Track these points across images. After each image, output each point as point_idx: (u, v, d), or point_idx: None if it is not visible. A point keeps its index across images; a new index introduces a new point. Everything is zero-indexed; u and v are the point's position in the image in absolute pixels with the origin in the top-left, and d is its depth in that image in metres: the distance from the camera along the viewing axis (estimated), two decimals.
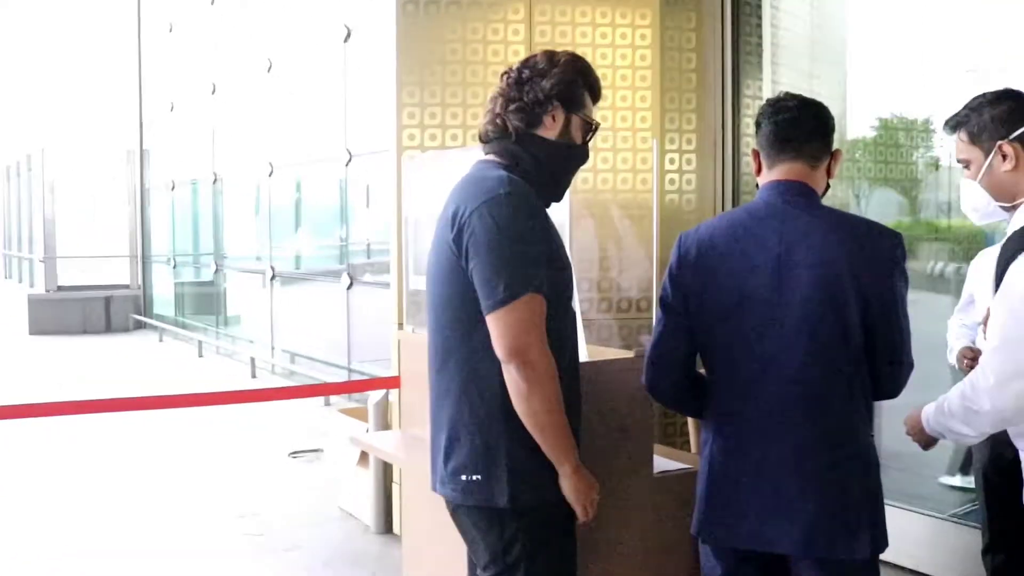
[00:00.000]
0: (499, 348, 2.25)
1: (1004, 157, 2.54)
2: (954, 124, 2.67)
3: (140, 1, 16.66)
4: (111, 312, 16.52)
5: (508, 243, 2.26)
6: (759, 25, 5.20)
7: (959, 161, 2.71)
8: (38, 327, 15.59)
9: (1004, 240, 2.66)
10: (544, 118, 2.44)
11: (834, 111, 5.80)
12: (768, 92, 5.19)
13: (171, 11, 14.83)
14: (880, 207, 6.02)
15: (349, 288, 9.40)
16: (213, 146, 13.38)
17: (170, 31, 14.87)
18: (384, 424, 5.11)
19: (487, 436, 2.34)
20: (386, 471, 5.21)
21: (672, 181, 4.99)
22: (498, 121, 2.45)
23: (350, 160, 9.33)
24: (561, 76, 2.44)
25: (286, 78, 10.76)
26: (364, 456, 5.37)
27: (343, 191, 9.84)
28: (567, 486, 2.35)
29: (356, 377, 9.09)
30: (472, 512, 2.40)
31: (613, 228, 4.80)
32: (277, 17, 10.86)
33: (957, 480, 5.00)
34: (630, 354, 3.23)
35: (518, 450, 2.32)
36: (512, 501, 2.32)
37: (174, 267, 15.78)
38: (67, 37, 17.93)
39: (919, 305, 5.75)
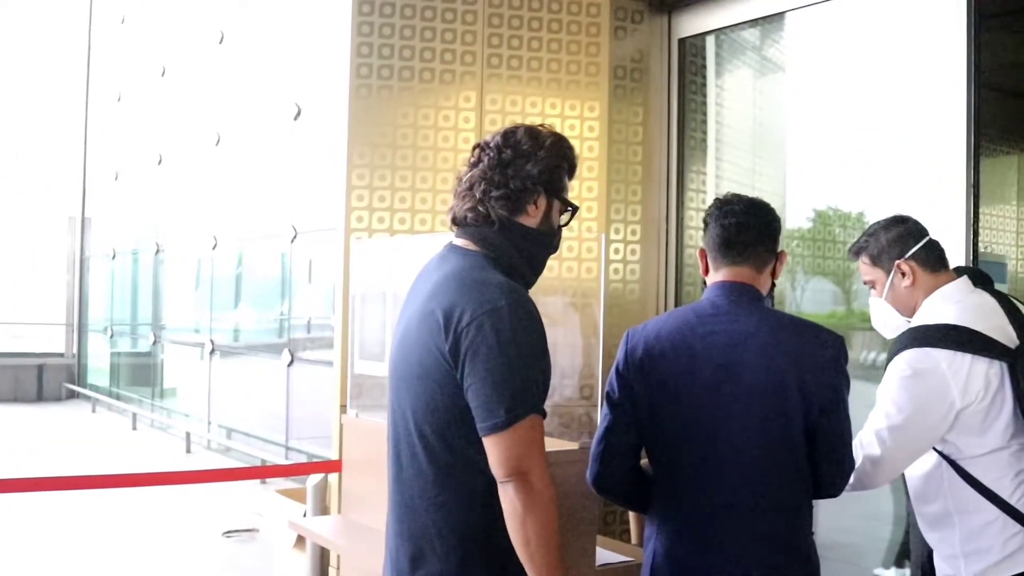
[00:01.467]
0: (499, 468, 2.12)
1: (903, 274, 2.76)
2: (856, 250, 2.87)
3: (89, 68, 16.63)
4: (43, 380, 16.17)
5: (510, 362, 2.12)
6: (704, 121, 5.34)
7: (865, 283, 2.90)
8: None
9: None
10: (528, 206, 2.31)
11: (774, 204, 5.93)
12: (712, 186, 5.31)
13: (120, 80, 14.81)
14: (815, 296, 6.15)
15: (290, 365, 9.32)
16: (157, 216, 13.29)
17: (118, 100, 14.83)
18: (323, 507, 5.04)
19: (462, 556, 2.22)
20: (323, 555, 5.12)
21: (616, 271, 5.07)
22: (480, 208, 2.30)
23: (295, 236, 9.32)
24: (547, 161, 2.31)
25: (234, 152, 10.77)
26: (301, 539, 5.28)
27: (286, 267, 9.81)
28: None
29: (294, 455, 8.97)
30: None
31: (558, 316, 4.86)
32: (227, 91, 10.89)
33: (892, 573, 5.04)
34: (574, 445, 3.23)
35: (492, 561, 2.21)
36: None
37: (111, 337, 15.52)
38: (12, 100, 17.79)
39: (852, 394, 5.87)
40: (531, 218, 2.32)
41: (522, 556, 2.13)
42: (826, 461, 2.45)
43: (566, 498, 3.13)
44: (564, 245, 4.89)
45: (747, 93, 5.79)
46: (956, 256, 4.21)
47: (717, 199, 2.65)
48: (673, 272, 5.20)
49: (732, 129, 5.55)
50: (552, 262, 4.84)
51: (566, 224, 2.42)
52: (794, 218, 6.18)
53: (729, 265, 2.51)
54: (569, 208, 2.40)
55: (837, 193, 6.01)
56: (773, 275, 2.58)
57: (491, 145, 2.34)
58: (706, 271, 2.59)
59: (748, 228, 2.51)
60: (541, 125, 2.41)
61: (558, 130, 4.53)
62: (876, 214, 5.93)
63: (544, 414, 2.17)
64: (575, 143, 4.94)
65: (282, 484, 7.60)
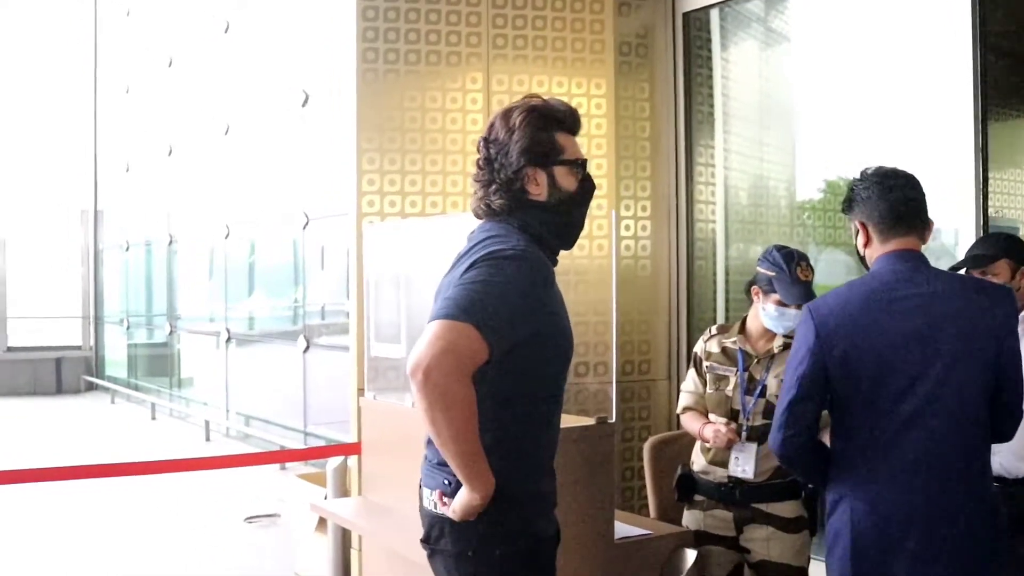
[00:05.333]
0: (410, 358, 2.16)
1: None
2: None
3: (96, 61, 16.67)
4: (62, 373, 16.30)
5: (474, 283, 2.20)
6: (711, 94, 5.34)
7: None
8: None
9: None
10: (527, 187, 2.38)
11: (783, 176, 5.98)
12: (720, 159, 5.32)
13: (128, 72, 14.86)
14: (828, 267, 6.15)
15: (306, 351, 9.37)
16: (169, 207, 13.35)
17: (127, 92, 14.88)
18: (343, 490, 5.09)
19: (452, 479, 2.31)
20: (344, 537, 5.17)
21: (628, 247, 5.08)
22: (483, 205, 2.42)
23: (307, 223, 9.36)
24: (524, 140, 2.36)
25: (244, 141, 10.81)
26: (322, 522, 5.33)
27: (299, 254, 9.86)
28: (461, 497, 2.28)
29: (312, 440, 9.03)
30: (443, 555, 2.41)
31: (570, 294, 4.87)
32: (235, 80, 10.92)
33: None
34: (591, 420, 3.26)
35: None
36: (478, 544, 2.32)
37: (127, 328, 15.63)
38: (23, 95, 17.85)
39: None
40: (537, 195, 2.39)
41: (441, 451, 2.22)
42: (1008, 415, 2.59)
43: (585, 472, 3.17)
44: None
45: (753, 65, 5.78)
46: (967, 221, 4.23)
47: (873, 174, 2.69)
48: (684, 247, 5.20)
49: (739, 102, 5.55)
50: None
51: (583, 176, 2.46)
52: (804, 189, 6.18)
53: (901, 236, 2.60)
54: (577, 165, 2.44)
55: (846, 163, 6.00)
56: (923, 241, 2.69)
57: (480, 146, 2.44)
58: (867, 244, 2.66)
59: (914, 201, 2.62)
60: (531, 96, 2.47)
61: None
62: None
63: (488, 340, 2.15)
64: (583, 121, 4.99)
65: (302, 469, 7.67)
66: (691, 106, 5.27)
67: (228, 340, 11.34)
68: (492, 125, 2.44)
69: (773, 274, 3.49)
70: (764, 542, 3.53)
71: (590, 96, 5.06)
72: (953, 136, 4.33)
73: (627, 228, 5.08)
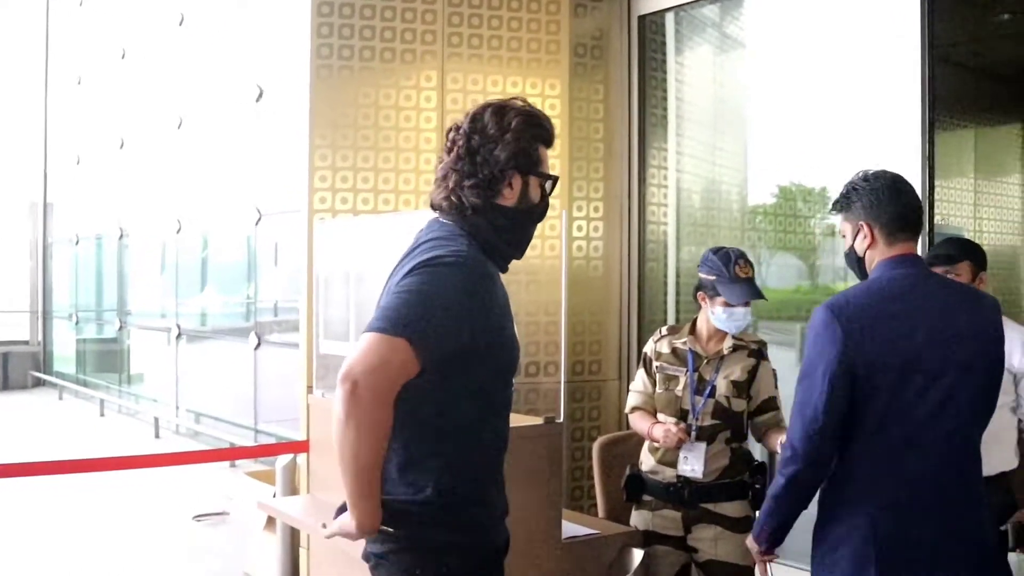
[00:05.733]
0: (342, 366, 2.10)
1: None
2: None
3: (48, 51, 16.42)
4: (9, 368, 16.04)
5: (409, 292, 2.14)
6: (664, 97, 5.38)
7: None
8: None
9: None
10: (503, 190, 2.31)
11: (735, 180, 6.03)
12: (673, 162, 5.36)
13: (80, 63, 14.65)
14: (780, 271, 6.21)
15: (257, 348, 9.30)
16: (120, 201, 13.18)
17: (79, 83, 14.67)
18: (292, 488, 5.06)
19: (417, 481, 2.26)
20: (293, 536, 5.14)
21: (580, 248, 5.10)
22: (453, 198, 2.32)
23: (260, 219, 9.29)
24: (516, 144, 2.30)
25: (197, 135, 10.70)
26: (271, 520, 5.30)
27: (252, 249, 9.78)
28: (340, 520, 2.25)
29: (263, 438, 8.97)
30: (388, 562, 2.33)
31: (521, 293, 4.89)
32: (189, 73, 10.81)
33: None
34: (539, 420, 3.27)
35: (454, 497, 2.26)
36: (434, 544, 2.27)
37: (76, 323, 15.41)
38: None
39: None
40: (507, 199, 2.33)
41: (340, 465, 2.14)
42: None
43: (533, 471, 3.18)
44: None
45: (707, 70, 5.83)
46: None
47: (882, 176, 2.66)
48: (636, 248, 5.23)
49: (693, 105, 5.59)
50: None
51: (549, 193, 2.41)
52: (757, 193, 6.23)
53: (907, 240, 2.61)
54: (546, 179, 2.39)
55: (798, 168, 6.07)
56: None
57: (460, 131, 2.33)
58: (871, 245, 2.63)
59: (918, 209, 2.64)
60: (514, 99, 2.40)
61: None
62: (837, 188, 6.02)
63: (418, 353, 2.11)
64: None
65: (252, 467, 7.62)
66: (645, 109, 5.30)
67: (179, 336, 11.22)
68: (477, 117, 2.34)
69: (714, 277, 3.54)
70: (712, 541, 3.56)
71: (544, 96, 5.07)
72: (901, 144, 4.39)
73: (579, 229, 5.10)
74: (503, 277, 2.38)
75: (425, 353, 2.13)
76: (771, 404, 3.65)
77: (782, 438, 3.32)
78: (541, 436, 3.19)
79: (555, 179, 2.42)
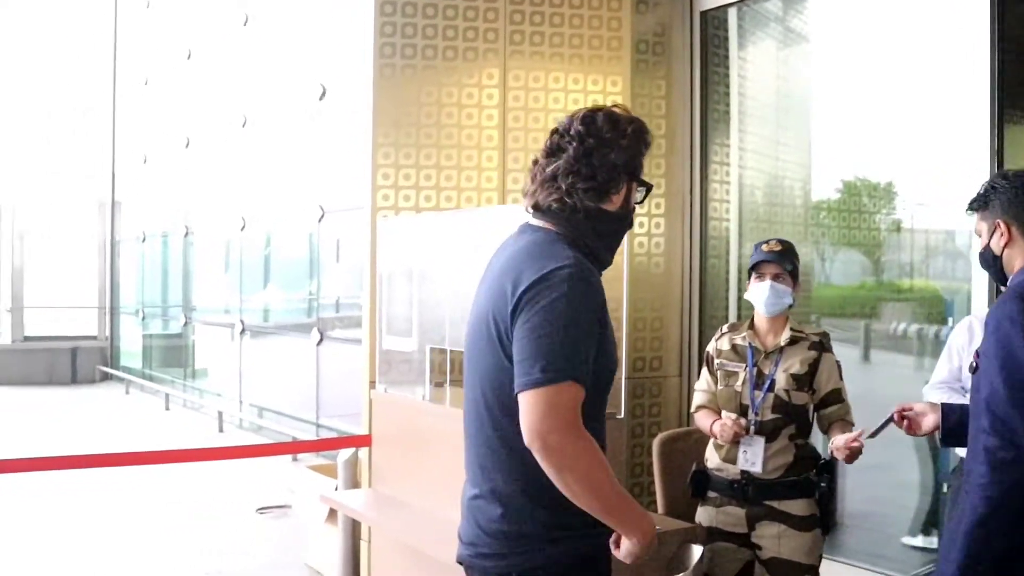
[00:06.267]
0: (524, 428, 2.15)
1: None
2: None
3: (116, 53, 16.75)
4: (77, 363, 16.38)
5: (556, 325, 2.16)
6: (727, 93, 5.34)
7: None
8: (3, 377, 15.43)
9: None
10: (613, 195, 2.34)
11: (799, 175, 5.97)
12: (735, 158, 5.32)
13: (147, 64, 14.92)
14: (844, 268, 6.14)
15: (319, 344, 9.41)
16: (185, 199, 13.41)
17: (145, 84, 14.94)
18: (353, 482, 5.11)
19: (524, 503, 2.29)
20: (355, 529, 5.20)
21: (641, 244, 5.09)
22: (567, 200, 2.31)
23: (323, 216, 9.39)
24: (631, 150, 2.33)
25: (261, 133, 10.84)
26: (332, 513, 5.36)
27: (314, 246, 9.89)
28: (626, 547, 2.26)
29: (324, 432, 9.07)
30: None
31: None
32: (253, 73, 10.96)
33: (919, 540, 5.07)
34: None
35: (551, 512, 2.27)
36: (546, 559, 2.29)
37: (142, 319, 15.70)
38: (43, 87, 17.96)
39: (885, 366, 5.85)
40: (613, 204, 2.35)
41: (585, 508, 2.19)
42: None
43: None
44: None
45: (770, 65, 5.78)
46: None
47: (1021, 175, 2.60)
48: (698, 245, 5.21)
49: (755, 101, 5.54)
50: None
51: (640, 202, 2.43)
52: (820, 189, 6.17)
53: None
54: (644, 187, 2.42)
55: (863, 163, 5.99)
56: None
57: (571, 132, 2.34)
58: (1008, 243, 2.58)
59: None
60: (615, 106, 2.41)
61: (580, 105, 4.60)
62: (903, 183, 5.93)
63: (583, 384, 2.17)
64: None
65: (314, 461, 7.70)
66: (707, 104, 5.27)
67: (242, 332, 11.39)
68: (590, 121, 2.34)
69: (752, 262, 3.67)
70: (775, 539, 3.53)
71: (606, 93, 5.07)
72: (969, 138, 4.32)
73: (641, 225, 5.08)
74: None
75: (586, 379, 2.18)
76: (836, 397, 3.61)
77: (845, 435, 3.30)
78: (615, 431, 3.19)
79: (651, 187, 2.44)
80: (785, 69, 5.88)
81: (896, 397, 3.77)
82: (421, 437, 4.13)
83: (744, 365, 3.64)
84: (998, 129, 4.21)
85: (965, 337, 3.72)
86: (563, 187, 2.31)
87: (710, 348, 3.80)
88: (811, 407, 3.62)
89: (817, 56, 5.84)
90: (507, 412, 2.25)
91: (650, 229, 5.11)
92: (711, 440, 3.72)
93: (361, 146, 5.11)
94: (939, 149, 4.99)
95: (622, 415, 3.28)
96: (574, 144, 2.31)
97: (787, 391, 3.57)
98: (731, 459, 3.60)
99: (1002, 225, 2.57)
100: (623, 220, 2.40)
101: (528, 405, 2.14)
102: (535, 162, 2.41)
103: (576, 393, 2.15)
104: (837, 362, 3.66)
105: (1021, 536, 2.28)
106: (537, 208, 2.38)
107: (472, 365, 2.41)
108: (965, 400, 3.45)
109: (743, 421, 3.55)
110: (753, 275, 3.65)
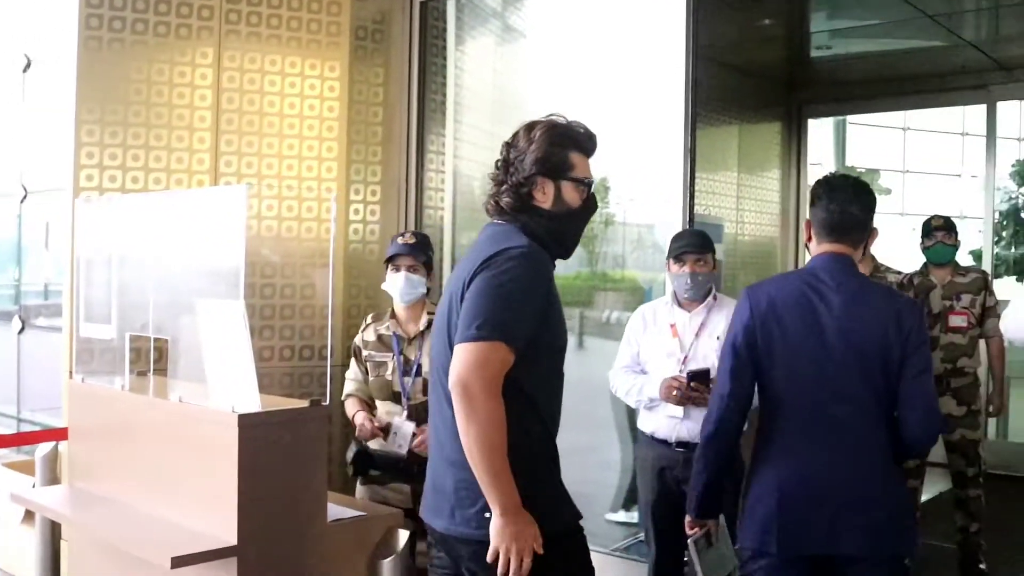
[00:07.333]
0: (451, 375, 2.37)
1: None
2: None
3: None
4: None
5: (497, 293, 2.39)
6: (444, 84, 5.42)
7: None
8: None
9: None
10: (534, 193, 2.57)
11: None
12: (451, 148, 5.41)
13: None
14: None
15: (21, 332, 8.79)
16: None
17: None
18: (53, 478, 4.82)
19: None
20: (54, 528, 4.91)
21: (356, 231, 5.09)
22: (493, 202, 2.61)
23: (25, 197, 8.77)
24: (537, 153, 2.56)
25: None
26: (30, 513, 5.04)
27: (18, 229, 9.22)
28: (494, 523, 2.38)
29: (26, 427, 8.50)
30: (479, 546, 2.45)
31: (296, 276, 4.84)
32: None
33: (621, 516, 5.37)
34: (304, 403, 3.25)
35: (534, 482, 2.42)
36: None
37: None
38: None
39: (596, 351, 6.13)
40: (543, 202, 2.58)
41: (469, 460, 2.37)
42: (913, 410, 2.81)
43: (297, 454, 3.16)
44: (303, 205, 4.92)
45: (488, 58, 5.91)
46: (674, 218, 4.51)
47: (826, 180, 3.00)
48: None
49: (473, 93, 5.66)
50: (291, 223, 4.86)
51: (587, 198, 2.63)
52: None
53: (831, 242, 2.92)
54: (583, 184, 2.62)
55: None
56: (865, 248, 3.03)
57: (503, 150, 2.65)
58: (809, 240, 2.99)
59: (849, 215, 2.91)
60: (550, 116, 2.67)
61: (298, 89, 4.55)
62: (616, 180, 6.23)
63: (514, 349, 2.38)
64: (315, 103, 4.97)
65: (13, 457, 7.21)
66: (424, 94, 5.34)
67: None
68: (517, 133, 2.65)
69: (388, 254, 4.00)
70: None
71: (324, 78, 5.03)
72: (668, 138, 4.60)
73: (356, 212, 5.08)
74: None
75: (517, 344, 2.39)
76: None
77: None
78: (307, 419, 3.17)
79: (590, 182, 2.65)
80: (502, 64, 6.03)
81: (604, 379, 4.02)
82: (122, 429, 3.94)
83: (391, 354, 3.88)
84: (691, 129, 4.51)
85: (640, 324, 4.01)
86: (491, 192, 2.64)
87: (357, 340, 4.00)
88: None
89: (533, 53, 6.02)
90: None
91: (365, 216, 5.12)
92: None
93: (66, 123, 4.82)
94: (644, 147, 5.28)
95: (327, 402, 3.28)
96: (502, 155, 2.64)
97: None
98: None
99: (807, 223, 3.02)
100: (565, 217, 2.60)
101: (458, 356, 2.37)
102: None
103: (505, 355, 2.37)
104: None
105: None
106: (487, 212, 2.67)
107: (434, 352, 2.64)
108: (644, 379, 3.79)
109: (379, 431, 3.84)
110: (390, 266, 3.92)
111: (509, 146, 2.64)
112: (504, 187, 2.60)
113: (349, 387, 4.01)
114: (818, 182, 3.01)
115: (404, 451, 3.78)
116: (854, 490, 2.77)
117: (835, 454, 2.78)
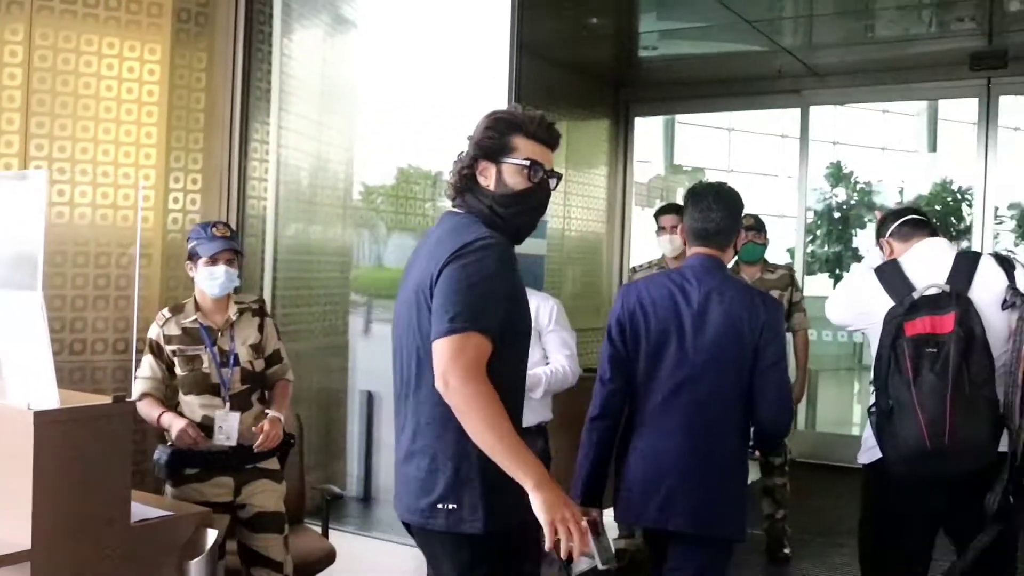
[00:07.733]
0: (435, 375, 2.42)
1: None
2: None
3: None
4: None
5: (465, 285, 2.45)
6: (269, 71, 5.31)
7: None
8: None
9: None
10: (477, 175, 2.65)
11: (341, 158, 6.07)
12: (275, 136, 5.32)
13: None
14: (397, 251, 6.36)
15: None
16: None
17: None
18: None
19: (461, 465, 2.49)
20: None
21: (175, 220, 4.95)
22: (448, 185, 2.72)
23: None
24: (476, 137, 2.66)
25: None
26: None
27: None
28: (534, 501, 2.37)
29: None
30: (444, 537, 2.54)
31: (91, 266, 4.67)
32: None
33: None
34: (107, 399, 3.15)
35: (490, 477, 2.45)
36: (483, 528, 2.48)
37: None
38: None
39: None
40: (485, 185, 2.65)
41: (483, 449, 2.41)
42: (765, 399, 3.13)
43: (100, 452, 3.06)
44: (119, 192, 4.76)
45: (317, 47, 5.83)
46: None
47: (691, 189, 3.36)
48: (235, 223, 5.13)
49: (300, 81, 5.57)
50: (106, 211, 4.69)
51: (536, 180, 2.64)
52: (368, 173, 6.33)
53: (699, 246, 3.28)
54: (526, 166, 2.63)
55: (413, 152, 6.26)
56: (735, 248, 3.36)
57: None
58: (685, 243, 3.35)
59: (713, 222, 3.24)
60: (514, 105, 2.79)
61: (115, 71, 4.38)
62: (446, 173, 6.24)
63: (490, 337, 2.44)
64: (133, 86, 4.81)
65: None
66: (250, 81, 5.22)
67: None
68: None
69: (195, 242, 3.87)
70: (262, 494, 3.86)
71: (143, 61, 4.87)
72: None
73: (176, 201, 4.94)
74: None
75: (491, 333, 2.45)
76: (277, 356, 4.02)
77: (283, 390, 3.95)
78: (110, 416, 3.07)
79: (532, 164, 2.64)
80: (332, 54, 5.95)
81: None
82: None
83: (203, 346, 3.83)
84: None
85: None
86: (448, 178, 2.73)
87: (153, 334, 3.89)
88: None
89: (364, 44, 5.98)
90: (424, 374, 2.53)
91: (185, 205, 4.98)
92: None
93: None
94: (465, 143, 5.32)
95: (132, 398, 3.18)
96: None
97: (251, 361, 3.88)
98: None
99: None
100: (510, 199, 2.62)
101: (438, 352, 2.42)
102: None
103: (481, 343, 2.43)
104: (276, 324, 4.09)
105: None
106: (446, 195, 2.76)
107: (397, 345, 2.68)
108: None
109: (201, 435, 3.73)
110: (202, 259, 3.83)
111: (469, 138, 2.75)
112: (451, 170, 2.71)
113: (143, 386, 3.84)
114: (687, 191, 3.36)
115: (233, 442, 3.76)
116: (689, 472, 3.07)
117: (683, 438, 3.09)
